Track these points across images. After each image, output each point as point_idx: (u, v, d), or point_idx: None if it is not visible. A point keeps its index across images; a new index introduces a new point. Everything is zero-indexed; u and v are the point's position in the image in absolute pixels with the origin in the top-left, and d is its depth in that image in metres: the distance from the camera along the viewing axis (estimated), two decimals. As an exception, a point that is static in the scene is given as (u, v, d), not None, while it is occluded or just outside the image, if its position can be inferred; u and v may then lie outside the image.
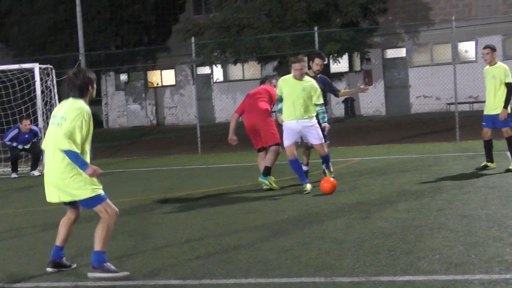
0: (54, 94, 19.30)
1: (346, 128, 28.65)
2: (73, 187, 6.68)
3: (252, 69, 40.14)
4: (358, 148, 19.81)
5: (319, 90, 11.88)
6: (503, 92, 12.80)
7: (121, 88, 45.37)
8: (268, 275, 6.54)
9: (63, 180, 6.66)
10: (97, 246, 6.70)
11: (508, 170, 12.72)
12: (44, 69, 18.93)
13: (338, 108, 36.76)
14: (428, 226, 8.30)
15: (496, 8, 34.77)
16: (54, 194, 6.81)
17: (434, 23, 34.84)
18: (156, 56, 39.03)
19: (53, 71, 19.45)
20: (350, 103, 36.36)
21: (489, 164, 13.12)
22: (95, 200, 6.76)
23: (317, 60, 12.97)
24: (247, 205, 10.73)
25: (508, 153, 13.03)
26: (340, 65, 35.03)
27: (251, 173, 15.03)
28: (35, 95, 18.88)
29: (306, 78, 11.84)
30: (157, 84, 44.51)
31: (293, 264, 6.87)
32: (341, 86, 36.97)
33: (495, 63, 13.09)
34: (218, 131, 30.63)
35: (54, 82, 19.30)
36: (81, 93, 6.87)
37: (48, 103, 19.13)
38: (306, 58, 12.02)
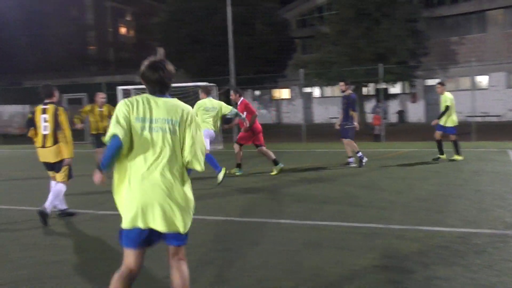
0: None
1: (398, 130, 27.92)
2: (188, 215, 3.38)
3: (338, 90, 39.79)
4: (405, 143, 19.20)
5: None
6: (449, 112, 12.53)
7: (255, 100, 46.16)
8: (346, 220, 6.49)
9: (186, 204, 3.35)
10: None
11: (451, 160, 12.50)
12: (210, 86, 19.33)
13: (393, 117, 36.20)
14: (452, 195, 7.99)
15: (502, 54, 33.18)
16: (173, 220, 3.28)
17: (459, 62, 33.65)
18: (278, 80, 39.24)
19: (215, 87, 19.87)
20: (401, 114, 36.08)
21: (457, 157, 12.61)
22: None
23: (340, 84, 12.40)
24: (335, 174, 10.62)
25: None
26: (395, 89, 34.68)
27: (334, 156, 14.88)
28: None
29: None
30: (278, 97, 44.92)
31: (362, 215, 6.79)
32: (395, 103, 36.63)
33: (444, 93, 12.67)
34: (315, 128, 30.67)
35: (217, 94, 19.76)
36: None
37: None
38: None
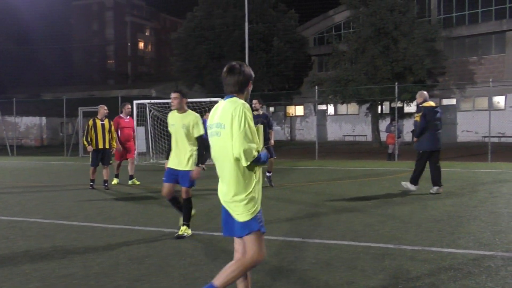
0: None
1: (412, 149, 27.67)
2: None
3: (352, 108, 39.92)
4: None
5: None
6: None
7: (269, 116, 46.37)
8: (356, 240, 6.40)
9: None
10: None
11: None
12: (224, 102, 19.39)
13: (408, 135, 35.99)
14: (466, 217, 7.87)
15: (521, 74, 33.06)
16: None
17: (477, 82, 33.47)
18: (292, 96, 39.34)
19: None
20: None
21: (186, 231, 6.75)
22: None
23: (254, 102, 11.65)
24: (347, 192, 10.56)
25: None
26: (411, 108, 34.49)
27: (347, 173, 14.79)
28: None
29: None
30: (292, 114, 44.93)
31: (374, 234, 6.70)
32: (410, 122, 36.43)
33: (186, 110, 6.77)
34: (329, 146, 30.52)
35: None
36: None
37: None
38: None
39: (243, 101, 3.59)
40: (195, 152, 6.63)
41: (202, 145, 6.58)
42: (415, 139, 10.95)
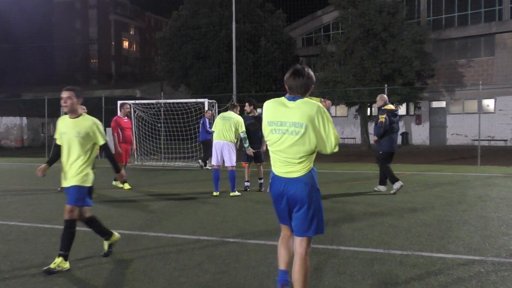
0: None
1: (402, 152, 27.85)
2: None
3: (341, 110, 40.03)
4: (409, 166, 19.15)
5: None
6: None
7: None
8: (345, 244, 6.40)
9: None
10: None
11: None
12: (210, 102, 19.35)
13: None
14: (455, 221, 7.92)
15: (510, 77, 33.31)
16: None
17: (466, 85, 33.76)
18: (280, 98, 39.36)
19: (216, 104, 19.90)
20: (405, 136, 35.83)
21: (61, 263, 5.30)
22: None
23: (246, 105, 11.76)
24: (335, 196, 10.56)
25: None
26: (400, 110, 34.60)
27: (339, 176, 14.82)
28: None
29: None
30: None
31: (363, 239, 6.70)
32: (399, 124, 36.48)
33: (80, 115, 5.54)
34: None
35: (216, 111, 19.72)
36: None
37: (212, 123, 19.58)
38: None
39: (318, 103, 3.96)
40: (87, 165, 5.48)
41: (110, 153, 5.76)
42: (375, 139, 11.44)
